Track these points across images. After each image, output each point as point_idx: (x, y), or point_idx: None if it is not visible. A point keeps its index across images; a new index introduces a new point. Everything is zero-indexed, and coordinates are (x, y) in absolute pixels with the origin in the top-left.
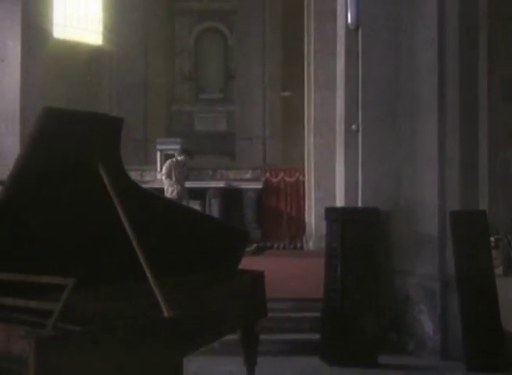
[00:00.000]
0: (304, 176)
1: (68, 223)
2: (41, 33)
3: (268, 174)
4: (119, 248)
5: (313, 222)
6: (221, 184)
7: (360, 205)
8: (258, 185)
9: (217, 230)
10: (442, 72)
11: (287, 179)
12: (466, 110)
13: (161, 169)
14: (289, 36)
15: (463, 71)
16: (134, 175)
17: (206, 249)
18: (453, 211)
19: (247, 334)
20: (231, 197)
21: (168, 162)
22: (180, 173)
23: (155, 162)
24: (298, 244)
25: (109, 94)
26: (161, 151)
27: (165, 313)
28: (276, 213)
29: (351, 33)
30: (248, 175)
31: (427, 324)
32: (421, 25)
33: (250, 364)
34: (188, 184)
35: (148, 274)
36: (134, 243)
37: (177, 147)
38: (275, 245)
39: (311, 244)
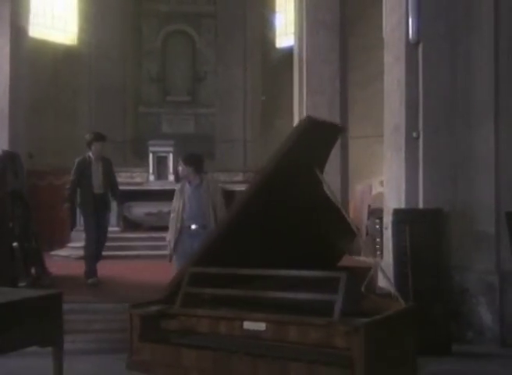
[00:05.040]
0: None
1: (294, 214)
2: (24, 32)
3: None
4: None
5: None
6: None
7: (420, 206)
8: None
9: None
10: (497, 83)
11: None
12: None
13: (153, 170)
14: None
15: None
16: (124, 177)
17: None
18: (509, 211)
19: None
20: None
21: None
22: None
23: (147, 165)
24: None
25: (88, 95)
26: (153, 153)
27: (402, 304)
28: None
29: (410, 46)
30: (239, 177)
31: (485, 315)
32: (476, 40)
33: None
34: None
35: (382, 269)
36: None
37: (170, 149)
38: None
39: None
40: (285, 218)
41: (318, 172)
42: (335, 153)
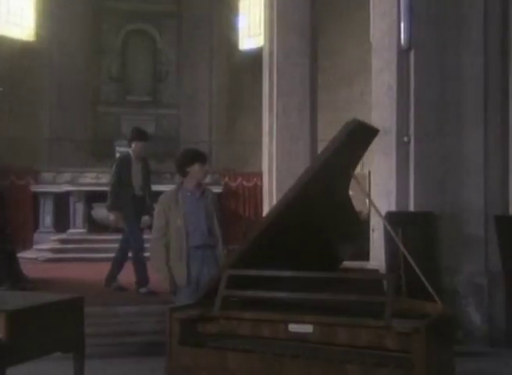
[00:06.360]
0: (261, 181)
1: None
2: None
3: (226, 179)
4: None
5: None
6: None
7: (411, 209)
8: (218, 189)
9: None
10: (487, 89)
11: (245, 184)
12: (508, 120)
13: None
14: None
15: (505, 89)
16: (90, 177)
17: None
18: (498, 215)
19: None
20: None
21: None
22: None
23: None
24: None
25: (47, 92)
26: (120, 153)
27: (439, 305)
28: (235, 217)
29: (401, 52)
30: (207, 179)
31: (474, 315)
32: (466, 47)
33: None
34: None
35: (418, 271)
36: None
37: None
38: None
39: None
40: (310, 220)
41: (352, 172)
42: (304, 156)
